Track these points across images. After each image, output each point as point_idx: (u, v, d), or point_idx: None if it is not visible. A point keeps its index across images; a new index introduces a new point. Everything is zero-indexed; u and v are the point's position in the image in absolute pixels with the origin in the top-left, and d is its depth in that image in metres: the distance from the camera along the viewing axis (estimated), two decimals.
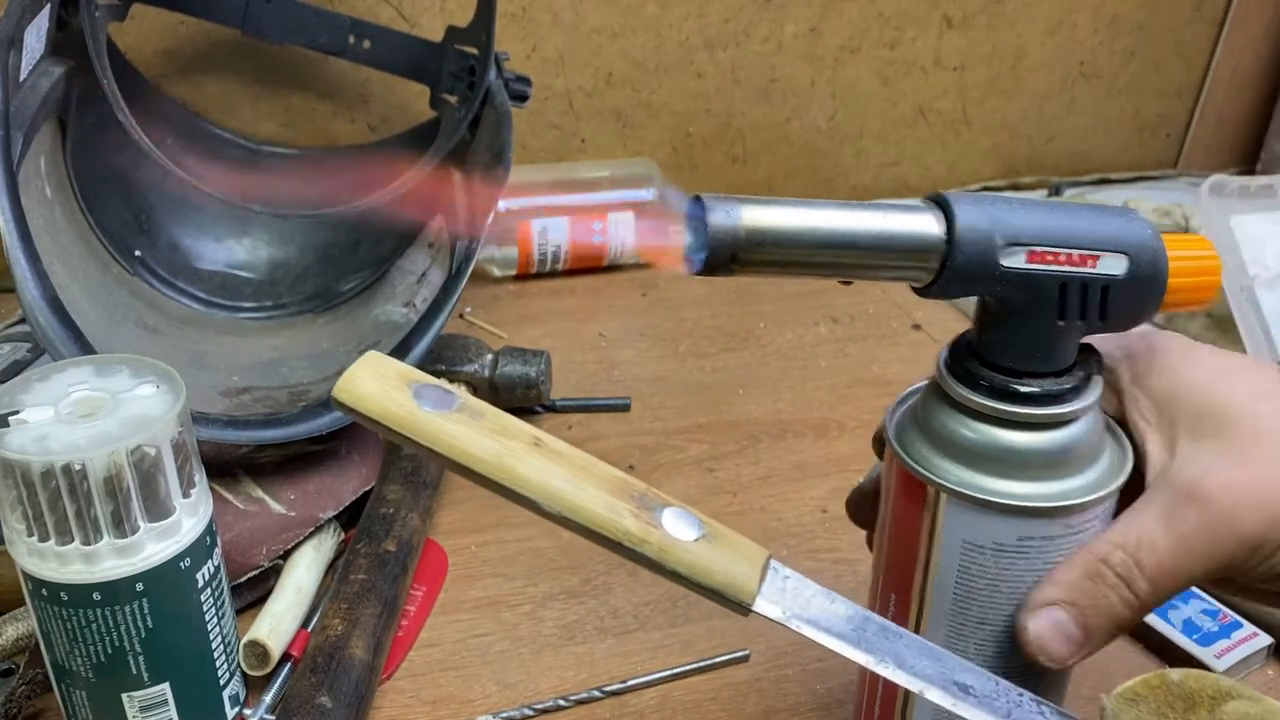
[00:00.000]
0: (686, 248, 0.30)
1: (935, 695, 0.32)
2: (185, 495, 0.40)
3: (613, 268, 0.85)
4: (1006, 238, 0.31)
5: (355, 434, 0.57)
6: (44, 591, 0.39)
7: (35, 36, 0.55)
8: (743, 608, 0.32)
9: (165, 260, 0.69)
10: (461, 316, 0.78)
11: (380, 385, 0.31)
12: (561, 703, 0.47)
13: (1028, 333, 0.32)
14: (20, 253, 0.48)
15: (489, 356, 0.64)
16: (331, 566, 0.53)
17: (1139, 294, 0.33)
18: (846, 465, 0.64)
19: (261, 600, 0.50)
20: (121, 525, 0.38)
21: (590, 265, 0.84)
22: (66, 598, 0.39)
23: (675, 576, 0.32)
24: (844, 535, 0.58)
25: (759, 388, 0.72)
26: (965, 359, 0.34)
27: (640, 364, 0.74)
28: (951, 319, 0.82)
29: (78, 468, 0.37)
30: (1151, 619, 0.51)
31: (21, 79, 0.53)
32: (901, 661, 0.32)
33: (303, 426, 0.53)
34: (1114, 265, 0.32)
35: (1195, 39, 1.02)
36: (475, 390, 0.64)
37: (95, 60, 0.59)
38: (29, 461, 0.37)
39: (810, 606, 0.33)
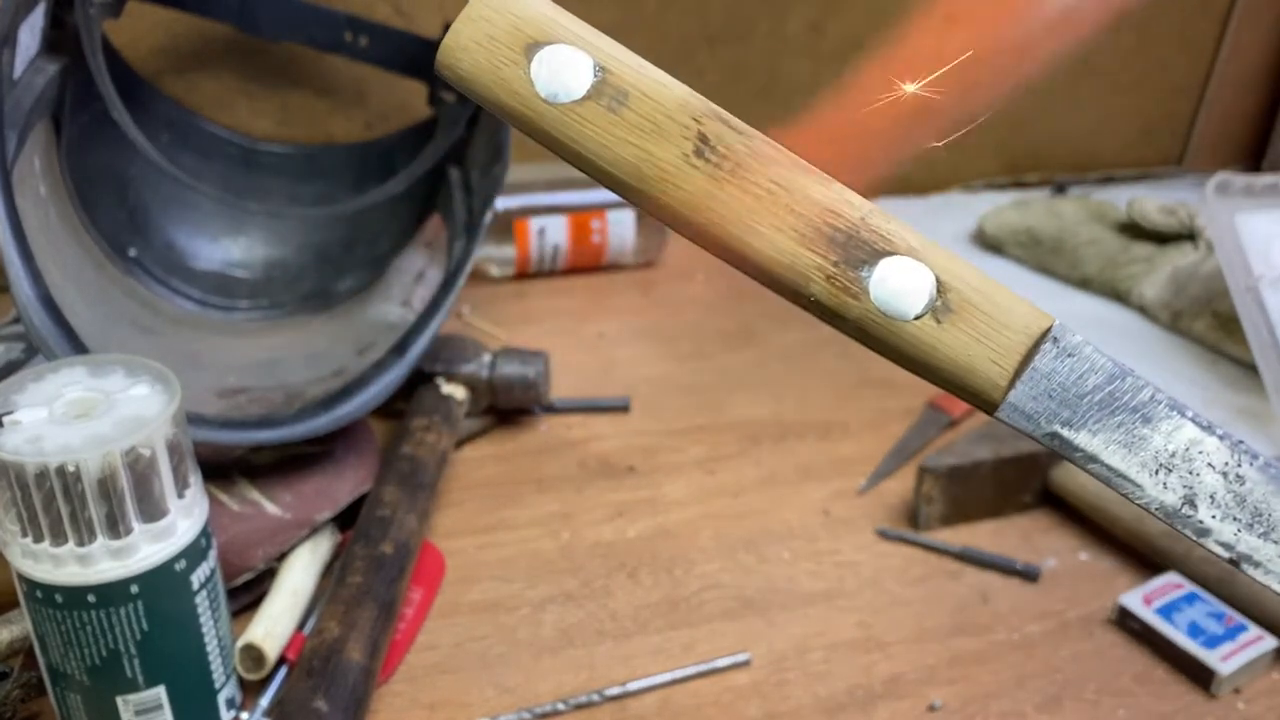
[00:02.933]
0: None
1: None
2: (180, 496, 0.40)
3: (612, 267, 0.85)
4: None
5: (352, 435, 0.57)
6: (38, 593, 0.39)
7: (30, 34, 0.54)
8: (987, 413, 0.24)
9: (160, 259, 0.68)
10: (459, 316, 0.78)
11: (488, 56, 0.23)
12: (560, 706, 0.47)
13: None
14: (15, 252, 0.47)
15: (487, 357, 0.64)
16: (328, 569, 0.53)
17: None
18: (849, 467, 0.63)
19: (257, 603, 0.49)
20: (116, 527, 0.38)
21: (589, 265, 0.84)
22: (61, 600, 0.39)
23: (891, 355, 0.24)
24: (847, 538, 0.58)
25: (760, 388, 0.71)
26: None
27: (640, 364, 0.73)
28: None
29: (72, 469, 0.37)
30: (1156, 621, 0.50)
31: (16, 76, 0.53)
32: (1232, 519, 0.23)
33: (299, 428, 0.52)
34: None
35: (1200, 36, 1.01)
36: (473, 391, 0.63)
37: (90, 58, 0.59)
38: (23, 462, 0.36)
39: (1083, 410, 0.23)
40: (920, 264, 0.23)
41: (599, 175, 0.23)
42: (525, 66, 0.23)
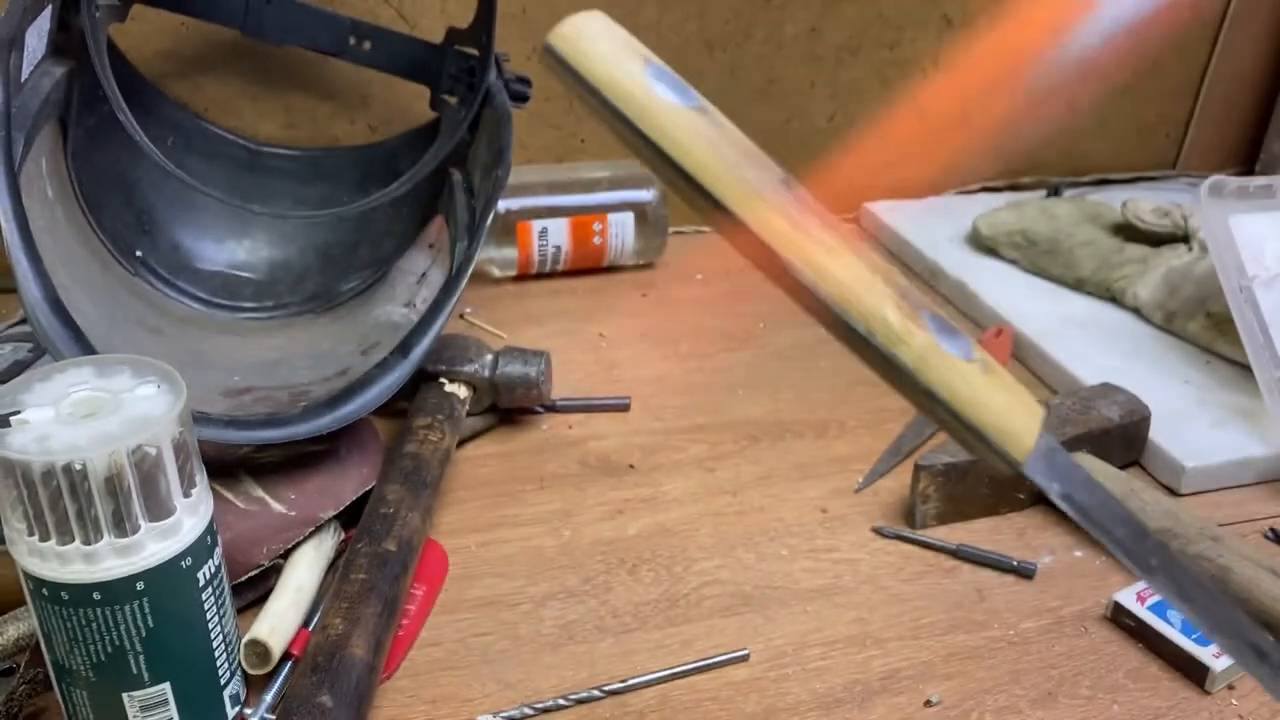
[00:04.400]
0: None
1: (1221, 646, 0.26)
2: (186, 495, 0.40)
3: (613, 268, 0.86)
4: None
5: (355, 434, 0.57)
6: (44, 591, 0.39)
7: (36, 37, 0.55)
8: (1010, 463, 0.26)
9: (166, 260, 0.69)
10: (462, 317, 0.78)
11: (612, 46, 0.25)
12: (562, 702, 0.47)
13: None
14: (22, 253, 0.48)
15: (489, 357, 0.64)
16: (332, 566, 0.53)
17: None
18: (846, 465, 0.64)
19: (262, 599, 0.50)
20: (122, 525, 0.38)
21: (590, 266, 0.84)
22: (67, 597, 0.39)
23: (930, 400, 0.25)
24: (844, 535, 0.58)
25: (759, 388, 0.72)
26: None
27: (640, 364, 0.74)
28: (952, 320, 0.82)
29: (78, 467, 0.37)
30: (1150, 618, 0.51)
31: (23, 80, 0.53)
32: (1182, 592, 0.27)
33: (303, 426, 0.53)
34: None
35: (1194, 39, 1.02)
36: (475, 390, 0.64)
37: (96, 61, 0.59)
38: (30, 461, 0.37)
39: (1084, 491, 0.27)
40: (953, 327, 0.26)
41: (692, 166, 0.24)
42: (642, 64, 0.25)
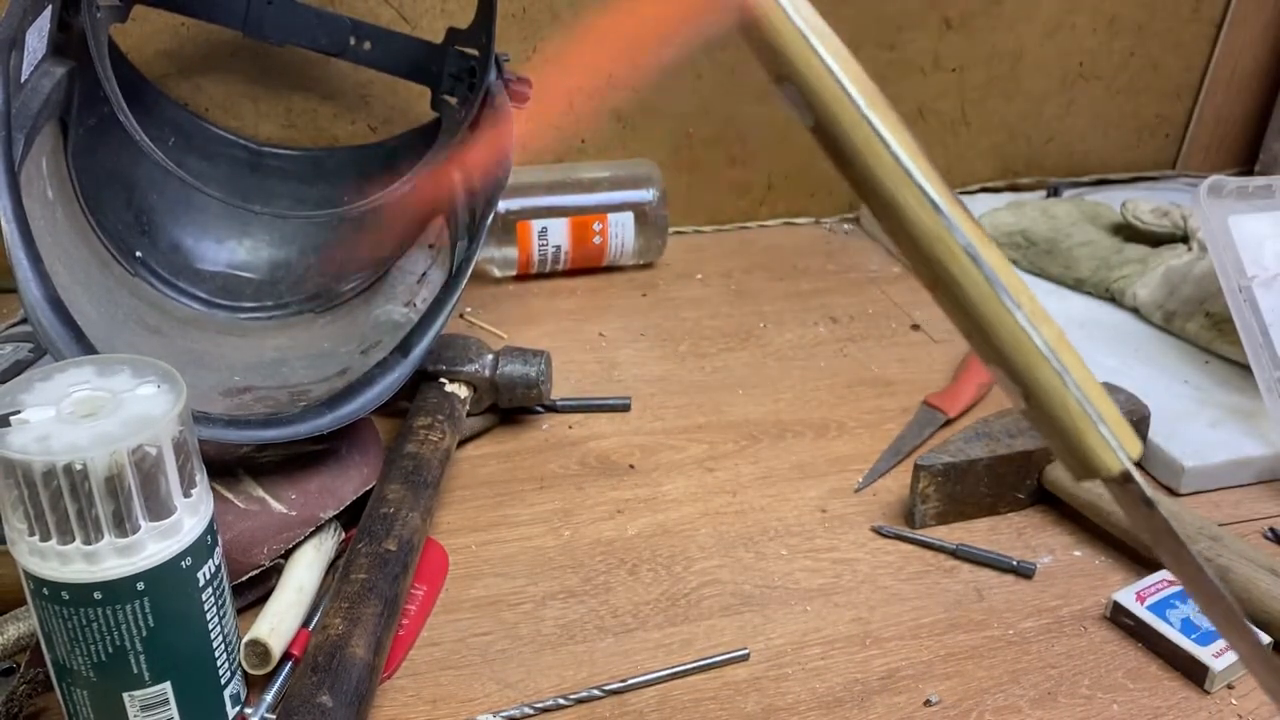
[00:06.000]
0: None
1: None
2: (186, 495, 0.41)
3: (612, 268, 0.86)
4: None
5: (356, 434, 0.57)
6: (45, 591, 0.39)
7: (37, 37, 0.55)
8: (1122, 455, 0.27)
9: (166, 261, 0.69)
10: (462, 316, 0.78)
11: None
12: (562, 701, 0.47)
13: None
14: (22, 253, 0.48)
15: (489, 356, 0.64)
16: (332, 566, 0.53)
17: None
18: (846, 465, 0.64)
19: (262, 599, 0.50)
20: (123, 525, 0.39)
21: (590, 266, 0.84)
22: (67, 597, 0.39)
23: (1059, 379, 0.26)
24: (843, 535, 0.59)
25: (758, 388, 0.72)
26: None
27: (640, 364, 0.74)
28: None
29: (79, 467, 0.37)
30: (1150, 618, 0.51)
31: (23, 80, 0.53)
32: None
33: (304, 426, 0.53)
34: None
35: (1194, 40, 1.02)
36: (476, 390, 0.64)
37: (97, 61, 0.59)
38: (30, 461, 0.37)
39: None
40: None
41: (879, 130, 0.27)
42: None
